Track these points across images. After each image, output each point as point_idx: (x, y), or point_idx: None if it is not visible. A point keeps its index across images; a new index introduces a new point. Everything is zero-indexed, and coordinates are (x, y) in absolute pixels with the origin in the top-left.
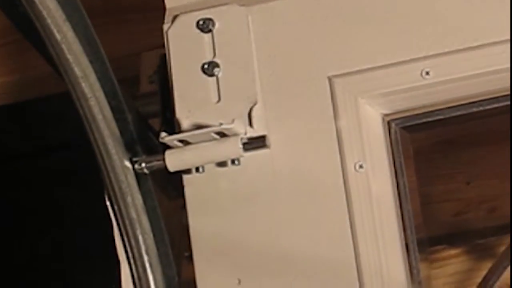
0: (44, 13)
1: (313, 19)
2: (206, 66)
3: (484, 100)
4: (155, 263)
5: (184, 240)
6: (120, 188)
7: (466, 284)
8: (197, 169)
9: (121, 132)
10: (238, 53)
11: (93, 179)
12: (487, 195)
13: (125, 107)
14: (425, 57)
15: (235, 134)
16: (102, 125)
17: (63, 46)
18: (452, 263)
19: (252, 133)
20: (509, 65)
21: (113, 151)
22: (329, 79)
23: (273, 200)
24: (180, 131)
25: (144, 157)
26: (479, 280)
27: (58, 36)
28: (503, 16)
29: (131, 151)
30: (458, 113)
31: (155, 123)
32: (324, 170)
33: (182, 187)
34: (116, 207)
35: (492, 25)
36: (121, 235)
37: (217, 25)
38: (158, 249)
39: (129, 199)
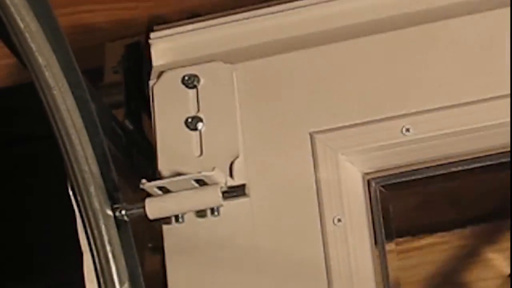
0: (7, 1)
1: (296, 77)
2: (189, 120)
3: (464, 160)
4: (118, 254)
5: (147, 231)
6: (83, 178)
7: (431, 275)
8: (176, 219)
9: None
10: (222, 109)
11: (57, 171)
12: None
13: (88, 97)
14: (406, 115)
15: (215, 183)
16: (66, 115)
17: (26, 34)
18: (416, 255)
19: (232, 182)
20: (489, 123)
21: (76, 140)
22: (311, 135)
23: (252, 250)
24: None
25: (124, 204)
26: (442, 271)
27: (21, 25)
28: (482, 75)
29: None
30: (438, 172)
31: (119, 113)
32: (303, 221)
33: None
34: (79, 197)
35: (472, 84)
36: (84, 225)
37: (202, 81)
38: (121, 240)
39: (92, 189)
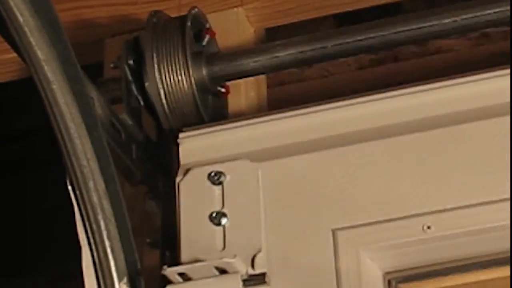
0: None
1: (319, 176)
2: (214, 215)
3: (485, 261)
4: (117, 249)
5: (146, 226)
6: (82, 172)
7: None
8: None
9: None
10: (246, 205)
11: (56, 166)
12: None
13: (87, 91)
14: (427, 213)
15: (236, 271)
16: (65, 109)
17: (26, 29)
18: None
19: (253, 272)
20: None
21: (74, 135)
22: (333, 231)
23: None
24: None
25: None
26: None
27: (20, 19)
28: (503, 176)
29: None
30: (458, 273)
31: (118, 109)
32: None
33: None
34: (78, 192)
35: (492, 184)
36: (83, 219)
37: (227, 178)
38: (120, 234)
39: (91, 183)
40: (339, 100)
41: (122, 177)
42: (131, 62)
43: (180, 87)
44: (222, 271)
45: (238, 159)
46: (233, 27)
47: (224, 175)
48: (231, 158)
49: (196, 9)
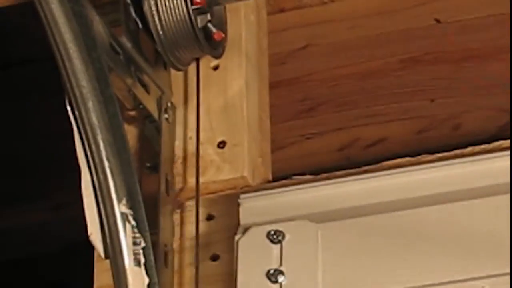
0: None
1: (376, 238)
2: (271, 272)
3: None
4: (116, 170)
5: (145, 150)
6: (81, 93)
7: None
8: None
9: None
10: (304, 264)
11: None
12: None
13: (87, 13)
14: (484, 277)
15: None
16: (64, 29)
17: None
18: None
19: None
20: None
21: (74, 55)
22: None
23: None
24: None
25: None
26: None
27: None
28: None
29: None
30: None
31: (117, 31)
32: None
33: None
34: (77, 112)
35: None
36: (82, 140)
37: (287, 237)
38: (119, 155)
39: (90, 104)
40: (396, 167)
41: (122, 101)
42: None
43: (176, 9)
44: None
45: (298, 219)
46: None
47: (283, 234)
48: (291, 218)
49: None
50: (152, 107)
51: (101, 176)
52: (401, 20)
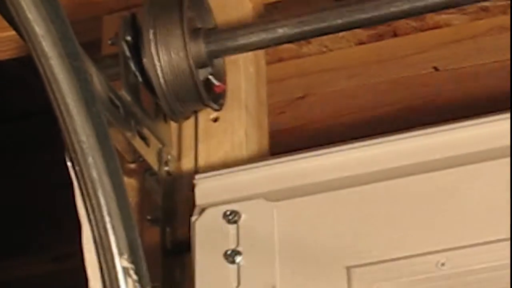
0: None
1: (334, 215)
2: (228, 253)
3: None
4: (117, 225)
5: (146, 203)
6: (81, 148)
7: None
8: None
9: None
10: (261, 244)
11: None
12: None
13: (86, 67)
14: (441, 250)
15: None
16: (63, 85)
17: (23, 4)
18: None
19: None
20: None
21: (73, 111)
22: (347, 269)
23: None
24: None
25: None
26: None
27: None
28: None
29: None
30: None
31: (117, 85)
32: None
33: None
34: (77, 168)
35: (504, 222)
36: (82, 196)
37: (243, 217)
38: (120, 210)
39: (90, 159)
40: (353, 142)
41: (121, 154)
42: (128, 38)
43: (177, 63)
44: None
45: (254, 198)
46: (231, 3)
47: (239, 214)
48: (247, 198)
49: None
50: (152, 160)
51: (102, 231)
52: (399, 68)
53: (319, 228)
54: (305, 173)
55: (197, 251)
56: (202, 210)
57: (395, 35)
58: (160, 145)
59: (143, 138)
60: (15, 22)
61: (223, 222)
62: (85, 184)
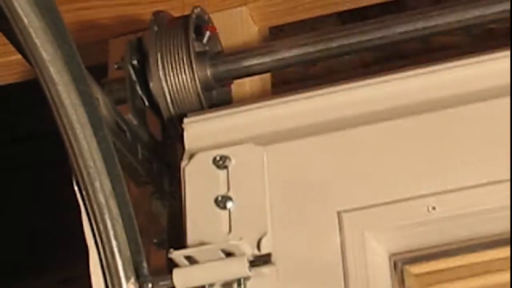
0: None
1: (325, 158)
2: (219, 199)
3: (490, 241)
4: (124, 249)
5: (153, 226)
6: (88, 173)
7: None
8: None
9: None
10: (251, 189)
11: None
12: None
13: (93, 92)
14: (432, 193)
15: (242, 254)
16: (70, 110)
17: (31, 30)
18: None
19: (258, 253)
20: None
21: (80, 135)
22: (338, 213)
23: None
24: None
25: (151, 277)
26: None
27: (25, 20)
28: (506, 156)
29: None
30: (463, 254)
31: (123, 109)
32: None
33: None
34: (84, 192)
35: (496, 164)
36: (89, 220)
37: (233, 162)
38: (126, 235)
39: (97, 184)
40: (343, 83)
41: (128, 178)
42: (135, 62)
43: (184, 87)
44: (228, 254)
45: (243, 143)
46: (237, 26)
47: (229, 159)
48: (237, 142)
49: (199, 9)
50: (158, 183)
51: (109, 256)
52: None
53: (309, 172)
54: (295, 116)
55: (187, 197)
56: (192, 155)
57: (400, 57)
58: (166, 169)
59: (150, 162)
60: (22, 47)
61: (213, 167)
62: (92, 208)
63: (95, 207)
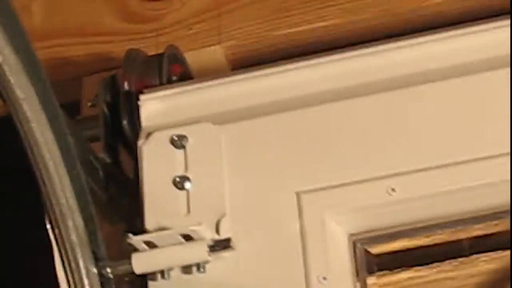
0: None
1: (283, 138)
2: (177, 179)
3: (449, 222)
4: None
5: None
6: (61, 211)
7: None
8: (162, 275)
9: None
10: (209, 168)
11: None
12: None
13: (66, 130)
14: (391, 175)
15: (201, 238)
16: (44, 148)
17: (5, 67)
18: None
19: (218, 237)
20: (473, 184)
21: (53, 174)
22: (297, 194)
23: None
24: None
25: (109, 262)
26: None
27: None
28: (466, 137)
29: None
30: (425, 234)
31: (96, 147)
32: (288, 279)
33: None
34: (57, 231)
35: (457, 144)
36: (61, 258)
37: (190, 141)
38: (99, 274)
39: (70, 222)
40: (300, 61)
41: (101, 216)
42: (108, 100)
43: None
44: (188, 238)
45: (201, 122)
46: (211, 66)
47: (187, 138)
48: (194, 120)
49: (173, 48)
50: (131, 221)
51: None
52: None
53: (267, 152)
54: (253, 94)
55: (145, 177)
56: (149, 134)
57: None
58: (138, 207)
59: (122, 200)
60: None
61: (171, 147)
62: (64, 247)
63: (67, 245)
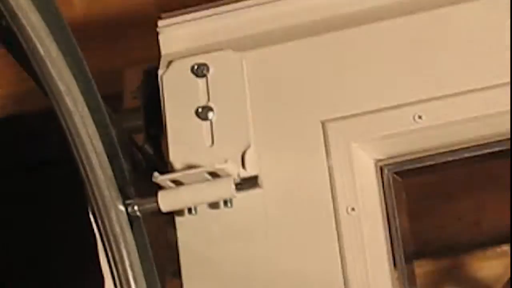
0: (28, 27)
1: (307, 65)
2: (200, 110)
3: (478, 146)
4: (140, 279)
5: (168, 255)
6: (103, 203)
7: None
8: (189, 211)
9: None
10: (232, 98)
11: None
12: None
13: (108, 121)
14: (418, 102)
15: (228, 175)
16: (86, 140)
17: (47, 60)
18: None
19: (245, 174)
20: (499, 110)
21: (96, 165)
22: (322, 123)
23: (265, 241)
24: (173, 172)
25: (136, 199)
26: None
27: (41, 51)
28: (495, 61)
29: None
30: (451, 158)
31: (139, 138)
32: (316, 211)
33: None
34: (100, 222)
35: (484, 70)
36: (105, 250)
37: (211, 70)
38: (142, 264)
39: (113, 214)
40: None
41: None
42: (149, 91)
43: None
44: (214, 175)
45: (221, 49)
46: None
47: (208, 67)
48: (214, 47)
49: None
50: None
51: (125, 285)
52: None
53: (291, 79)
54: (275, 17)
55: (167, 108)
56: (169, 62)
57: None
58: None
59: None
60: (37, 77)
61: (192, 76)
62: (108, 238)
63: (110, 237)
